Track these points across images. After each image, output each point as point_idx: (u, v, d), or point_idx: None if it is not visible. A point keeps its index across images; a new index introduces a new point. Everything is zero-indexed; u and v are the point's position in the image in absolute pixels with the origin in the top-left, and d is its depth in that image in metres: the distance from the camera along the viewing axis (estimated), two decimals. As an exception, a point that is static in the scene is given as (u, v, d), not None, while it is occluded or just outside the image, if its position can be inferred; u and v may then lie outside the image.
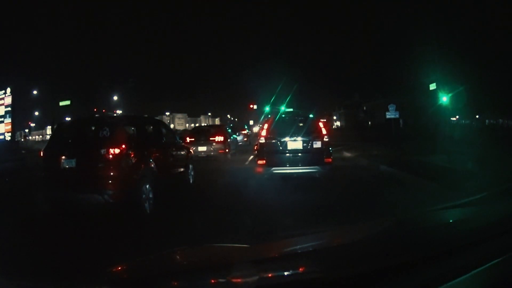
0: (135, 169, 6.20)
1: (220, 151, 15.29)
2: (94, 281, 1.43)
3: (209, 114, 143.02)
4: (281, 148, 8.95)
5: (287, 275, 1.39)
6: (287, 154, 8.93)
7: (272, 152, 8.94)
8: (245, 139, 26.67)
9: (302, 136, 8.90)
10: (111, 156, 5.85)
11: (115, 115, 31.06)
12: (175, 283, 1.34)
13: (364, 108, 72.46)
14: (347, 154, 16.23)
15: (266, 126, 9.45)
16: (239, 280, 1.26)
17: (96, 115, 28.23)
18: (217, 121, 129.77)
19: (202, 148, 15.10)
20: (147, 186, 6.24)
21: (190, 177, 8.93)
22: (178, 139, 9.00)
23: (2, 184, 10.74)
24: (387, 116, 24.27)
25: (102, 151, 5.86)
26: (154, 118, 11.03)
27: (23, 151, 24.23)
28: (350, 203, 6.44)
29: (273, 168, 8.91)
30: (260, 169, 9.16)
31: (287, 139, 8.90)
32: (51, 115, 43.57)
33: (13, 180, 11.59)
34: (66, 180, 5.94)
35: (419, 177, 8.38)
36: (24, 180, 10.87)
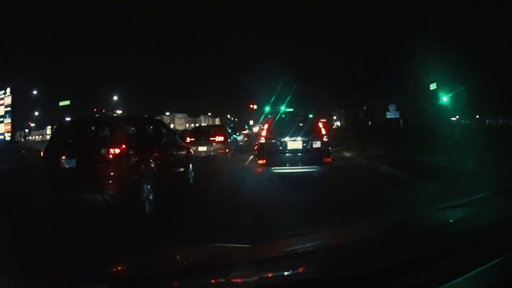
0: (135, 169, 6.20)
1: (220, 151, 15.29)
2: (94, 281, 1.43)
3: (209, 114, 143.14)
4: (281, 148, 9.00)
5: (287, 275, 1.39)
6: (287, 154, 8.98)
7: (272, 152, 8.99)
8: (246, 139, 26.76)
9: (301, 136, 8.96)
10: (111, 156, 5.85)
11: (115, 115, 31.06)
12: (175, 283, 1.34)
13: (364, 108, 72.50)
14: (347, 154, 16.23)
15: (266, 126, 9.52)
16: (239, 280, 1.26)
17: (96, 115, 28.24)
18: (217, 121, 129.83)
19: (202, 148, 15.10)
20: (147, 186, 6.23)
21: (190, 177, 8.93)
22: (178, 139, 9.00)
23: (1, 184, 10.74)
24: (388, 116, 24.25)
25: (102, 151, 5.85)
26: (154, 118, 11.04)
27: (23, 151, 24.22)
28: (350, 203, 6.44)
29: (273, 167, 8.96)
30: (260, 169, 9.23)
31: (287, 139, 8.96)
32: (51, 115, 43.59)
33: (13, 180, 11.59)
34: (66, 180, 5.94)
35: (419, 177, 8.38)
36: (24, 180, 10.86)
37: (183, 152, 8.82)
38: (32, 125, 67.92)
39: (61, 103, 42.01)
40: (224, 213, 5.79)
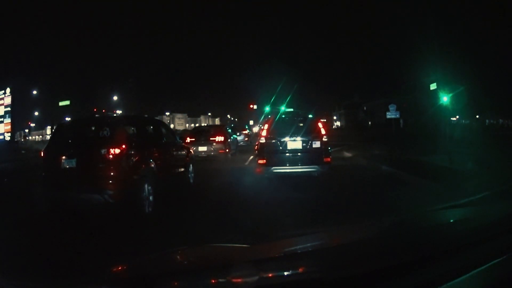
0: (135, 169, 6.20)
1: (220, 151, 15.30)
2: (94, 281, 1.43)
3: (209, 114, 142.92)
4: (281, 148, 9.05)
5: (287, 275, 1.39)
6: (287, 154, 9.04)
7: (272, 152, 9.04)
8: (246, 138, 26.81)
9: (301, 136, 9.02)
10: (111, 156, 5.85)
11: (115, 115, 31.07)
12: (175, 283, 1.34)
13: (364, 108, 72.56)
14: (347, 154, 16.22)
15: (266, 126, 9.60)
16: (239, 280, 1.26)
17: (96, 115, 28.23)
18: (217, 121, 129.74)
19: (202, 148, 15.11)
20: (147, 186, 6.23)
21: (190, 177, 8.93)
22: (178, 139, 9.00)
23: (1, 184, 10.74)
24: (388, 116, 24.29)
25: (103, 151, 5.85)
26: (154, 118, 11.05)
27: (23, 151, 24.25)
28: (351, 203, 6.44)
29: (273, 167, 9.01)
30: (260, 169, 9.27)
31: (287, 139, 9.03)
32: (51, 115, 43.61)
33: (13, 180, 11.59)
34: (66, 180, 5.94)
35: (419, 177, 8.38)
36: (24, 180, 10.86)
37: (183, 152, 8.82)
38: (32, 125, 67.90)
39: (61, 103, 41.99)
40: (224, 213, 5.79)
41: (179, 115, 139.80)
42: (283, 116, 10.91)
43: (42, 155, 6.47)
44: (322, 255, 1.53)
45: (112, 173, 5.87)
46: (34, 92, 46.84)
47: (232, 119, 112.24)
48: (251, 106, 40.31)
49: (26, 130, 66.42)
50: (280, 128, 9.26)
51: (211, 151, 15.22)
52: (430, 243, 1.52)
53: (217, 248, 1.92)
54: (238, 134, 23.54)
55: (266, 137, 9.17)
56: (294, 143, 9.02)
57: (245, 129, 31.11)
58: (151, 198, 6.28)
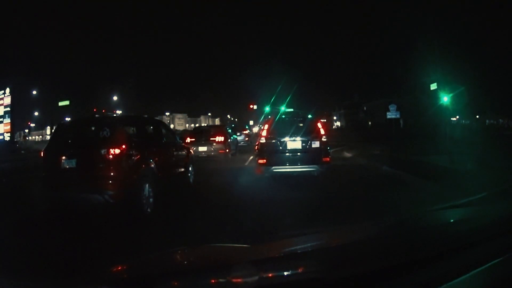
0: (135, 169, 6.20)
1: (220, 151, 15.31)
2: (94, 281, 1.43)
3: (209, 114, 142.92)
4: (281, 147, 9.11)
5: (287, 275, 1.39)
6: (287, 154, 9.10)
7: (273, 152, 9.10)
8: (247, 138, 26.83)
9: (301, 136, 9.10)
10: (111, 156, 5.85)
11: (115, 115, 31.06)
12: (175, 283, 1.34)
13: (364, 108, 72.55)
14: (347, 154, 16.23)
15: (266, 126, 9.68)
16: (239, 280, 1.26)
17: (96, 115, 28.22)
18: (217, 121, 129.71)
19: (202, 148, 15.12)
20: (147, 186, 6.23)
21: (190, 177, 8.93)
22: (178, 139, 9.00)
23: (1, 184, 10.74)
24: (388, 116, 24.24)
25: (103, 151, 5.85)
26: (154, 118, 11.03)
27: (22, 151, 24.27)
28: (351, 203, 6.44)
29: (273, 167, 9.07)
30: (260, 168, 9.32)
31: (286, 139, 9.09)
32: (51, 115, 43.59)
33: (13, 180, 11.59)
34: (67, 180, 5.94)
35: (419, 177, 8.38)
36: (24, 180, 10.87)
37: (183, 152, 8.82)
38: (32, 125, 67.93)
39: (60, 103, 41.94)
40: (224, 213, 5.79)
41: (179, 115, 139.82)
42: (283, 116, 10.98)
43: (42, 155, 6.47)
44: (322, 255, 1.53)
45: (112, 173, 5.87)
46: (34, 92, 46.81)
47: (232, 119, 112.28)
48: (251, 106, 40.33)
49: (26, 130, 66.44)
50: (280, 128, 9.33)
51: (211, 151, 15.23)
52: (430, 243, 1.52)
53: (217, 248, 1.92)
54: (238, 134, 23.56)
55: (266, 137, 9.23)
56: (294, 143, 9.09)
57: (246, 129, 31.15)
58: (151, 198, 6.28)
